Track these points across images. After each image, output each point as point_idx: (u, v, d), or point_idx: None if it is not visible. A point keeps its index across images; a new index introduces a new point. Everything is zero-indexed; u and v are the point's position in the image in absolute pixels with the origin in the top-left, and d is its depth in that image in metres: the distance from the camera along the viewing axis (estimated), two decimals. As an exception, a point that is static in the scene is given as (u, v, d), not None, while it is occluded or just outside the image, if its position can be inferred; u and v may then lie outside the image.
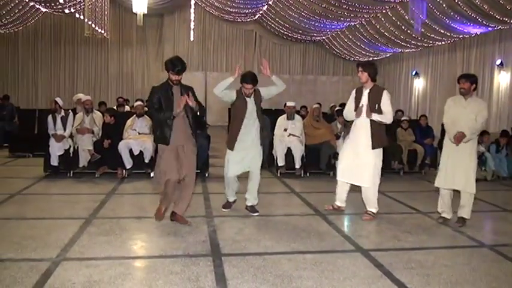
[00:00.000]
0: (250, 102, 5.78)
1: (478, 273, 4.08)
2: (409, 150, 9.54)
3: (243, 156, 5.83)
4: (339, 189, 6.19)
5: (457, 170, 5.58)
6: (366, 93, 5.80)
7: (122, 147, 8.23)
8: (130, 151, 8.30)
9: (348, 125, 6.88)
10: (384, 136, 5.84)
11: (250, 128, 5.78)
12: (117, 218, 5.72)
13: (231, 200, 6.18)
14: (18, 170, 9.21)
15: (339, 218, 5.96)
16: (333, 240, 4.99)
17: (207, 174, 8.64)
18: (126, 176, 8.37)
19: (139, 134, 8.60)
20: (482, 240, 5.10)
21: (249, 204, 6.05)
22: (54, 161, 8.33)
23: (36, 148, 10.39)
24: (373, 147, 5.72)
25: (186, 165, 5.26)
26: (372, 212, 5.90)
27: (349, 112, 5.99)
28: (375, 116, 5.66)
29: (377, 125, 5.72)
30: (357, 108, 5.82)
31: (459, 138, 5.49)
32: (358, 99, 5.87)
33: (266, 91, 5.91)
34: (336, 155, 8.47)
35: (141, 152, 8.37)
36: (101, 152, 8.34)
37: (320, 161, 8.97)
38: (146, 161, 8.39)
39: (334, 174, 9.02)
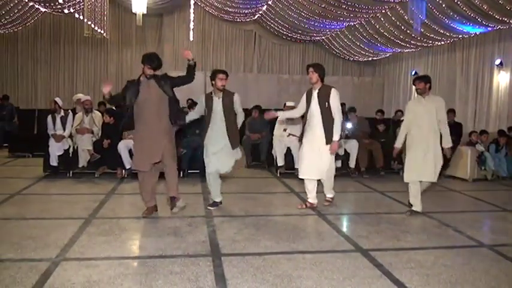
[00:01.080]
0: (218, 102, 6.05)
1: (477, 273, 4.09)
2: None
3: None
4: (309, 187, 6.37)
5: (426, 163, 5.97)
6: (315, 93, 6.09)
7: (122, 147, 8.22)
8: (130, 151, 8.28)
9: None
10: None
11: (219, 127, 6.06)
12: (116, 218, 5.73)
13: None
14: (17, 170, 9.21)
15: (339, 218, 5.97)
16: (333, 240, 4.99)
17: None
18: (125, 176, 8.37)
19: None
20: (481, 240, 5.10)
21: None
22: (54, 161, 8.33)
23: (35, 148, 10.39)
24: (327, 143, 6.02)
25: (164, 154, 5.46)
26: (331, 198, 6.56)
27: (297, 112, 6.46)
28: (336, 136, 6.01)
29: (329, 122, 5.99)
30: (308, 108, 6.13)
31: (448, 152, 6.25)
32: (308, 100, 6.16)
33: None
34: (336, 155, 8.48)
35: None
36: (100, 152, 8.34)
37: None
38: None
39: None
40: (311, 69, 6.09)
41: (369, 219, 5.93)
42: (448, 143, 6.08)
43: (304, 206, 6.37)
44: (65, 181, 8.05)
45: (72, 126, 8.64)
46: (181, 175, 8.49)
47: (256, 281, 3.76)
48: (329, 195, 6.56)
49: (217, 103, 6.00)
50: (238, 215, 5.91)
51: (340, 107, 6.06)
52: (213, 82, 6.02)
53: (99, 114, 9.05)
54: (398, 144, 6.36)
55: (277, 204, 6.62)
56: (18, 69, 22.82)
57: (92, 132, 8.63)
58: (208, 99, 6.08)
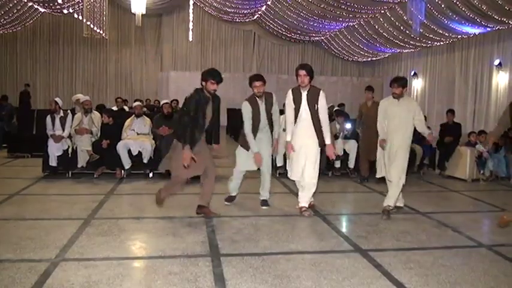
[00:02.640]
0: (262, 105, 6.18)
1: (476, 273, 4.09)
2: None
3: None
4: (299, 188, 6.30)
5: (390, 163, 6.11)
6: (304, 94, 6.03)
7: (121, 147, 8.22)
8: (129, 151, 8.30)
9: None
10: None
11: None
12: (115, 218, 5.72)
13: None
14: (16, 171, 9.20)
15: (338, 218, 5.97)
16: (332, 240, 4.99)
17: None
18: (124, 176, 8.37)
19: (138, 134, 8.60)
20: (480, 240, 5.10)
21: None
22: (53, 162, 8.32)
23: (34, 148, 10.37)
24: (320, 145, 6.00)
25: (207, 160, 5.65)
26: (302, 207, 6.16)
27: (291, 118, 6.15)
28: (328, 140, 5.98)
29: (319, 124, 5.95)
30: (298, 110, 6.02)
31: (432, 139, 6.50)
32: (297, 101, 6.06)
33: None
34: (336, 156, 8.47)
35: (139, 152, 8.36)
36: (99, 153, 8.33)
37: (321, 162, 8.93)
38: (145, 161, 8.39)
39: (333, 175, 9.08)
40: (303, 72, 5.95)
41: (368, 219, 5.92)
42: (425, 131, 6.23)
43: (310, 213, 6.13)
44: (64, 181, 8.04)
45: (71, 126, 8.63)
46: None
47: (256, 281, 3.76)
48: (302, 204, 6.16)
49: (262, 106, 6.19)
50: (237, 215, 5.91)
51: (326, 112, 6.04)
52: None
53: (98, 114, 9.05)
54: (383, 136, 6.32)
55: (276, 205, 6.61)
56: (17, 70, 22.83)
57: (91, 133, 8.63)
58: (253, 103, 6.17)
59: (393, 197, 6.10)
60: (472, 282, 3.88)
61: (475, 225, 5.77)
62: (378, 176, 6.67)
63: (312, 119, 5.95)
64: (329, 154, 6.04)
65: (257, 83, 6.12)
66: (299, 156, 6.03)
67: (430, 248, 4.80)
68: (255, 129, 6.12)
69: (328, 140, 5.96)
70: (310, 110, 5.95)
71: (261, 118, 6.14)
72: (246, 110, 6.08)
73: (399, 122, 6.07)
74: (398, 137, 6.06)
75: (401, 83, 6.11)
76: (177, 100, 15.25)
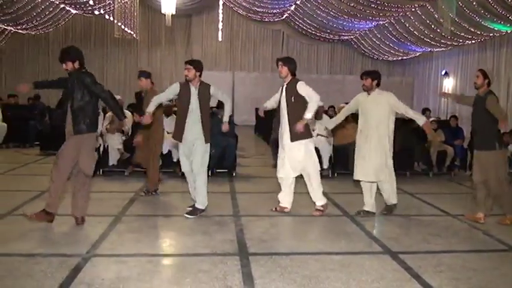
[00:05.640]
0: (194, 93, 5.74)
1: (508, 278, 4.00)
2: (438, 152, 9.38)
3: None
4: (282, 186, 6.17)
5: (367, 162, 5.82)
6: (284, 88, 5.91)
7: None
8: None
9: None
10: (307, 127, 5.81)
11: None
12: (145, 215, 5.80)
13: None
14: (48, 168, 9.25)
15: (367, 219, 5.90)
16: (361, 241, 4.95)
17: (234, 174, 8.67)
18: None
19: (168, 133, 8.68)
20: (511, 244, 4.99)
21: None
22: (84, 160, 8.45)
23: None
24: (292, 140, 5.78)
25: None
26: (321, 206, 5.99)
27: (268, 103, 6.21)
28: (308, 115, 5.66)
29: (294, 117, 5.72)
30: (279, 102, 5.94)
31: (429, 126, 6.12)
32: (280, 94, 5.97)
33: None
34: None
35: (169, 151, 8.45)
36: (130, 151, 8.45)
37: (348, 162, 8.88)
38: (174, 159, 8.47)
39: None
40: (280, 62, 5.88)
41: (398, 220, 5.86)
42: (422, 120, 5.78)
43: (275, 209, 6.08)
44: (95, 179, 8.12)
45: (102, 125, 8.77)
46: (209, 174, 8.54)
47: (284, 281, 3.76)
48: (283, 204, 6.08)
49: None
50: (265, 215, 5.92)
51: (312, 91, 5.72)
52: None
53: (130, 113, 9.16)
54: (330, 125, 6.33)
55: (304, 205, 6.59)
56: (49, 70, 23.29)
57: (122, 132, 8.75)
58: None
59: (393, 193, 6.02)
60: (503, 287, 3.80)
61: (506, 228, 5.64)
62: (354, 178, 6.10)
63: (288, 112, 5.79)
64: (297, 126, 5.67)
65: (185, 66, 5.76)
66: (281, 151, 5.98)
67: (460, 251, 4.71)
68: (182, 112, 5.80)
69: (307, 115, 5.66)
70: (286, 102, 5.81)
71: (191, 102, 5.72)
72: (172, 87, 5.87)
73: (371, 118, 5.79)
74: (373, 135, 5.78)
75: (370, 75, 5.84)
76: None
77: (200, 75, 5.73)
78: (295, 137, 5.75)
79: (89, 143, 5.19)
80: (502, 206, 5.86)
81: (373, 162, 5.79)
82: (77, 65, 5.12)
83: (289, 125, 5.75)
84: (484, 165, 5.68)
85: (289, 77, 5.89)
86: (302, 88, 5.75)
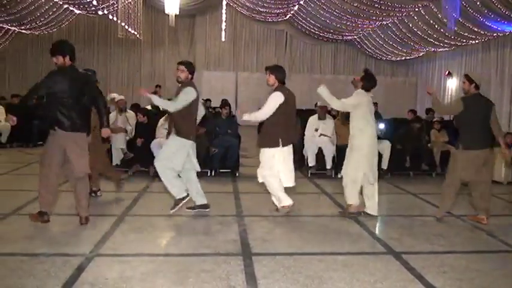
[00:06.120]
0: None
1: (510, 279, 3.99)
2: (441, 152, 9.35)
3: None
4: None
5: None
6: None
7: (154, 145, 8.31)
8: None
9: None
10: (270, 136, 5.80)
11: None
12: (149, 215, 5.81)
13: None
14: (53, 168, 9.39)
15: (370, 219, 5.89)
16: (364, 242, 4.95)
17: (237, 174, 8.67)
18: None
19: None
20: (517, 245, 4.97)
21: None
22: (88, 160, 8.47)
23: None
24: (258, 146, 5.93)
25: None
26: (278, 206, 6.02)
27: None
28: (246, 116, 5.83)
29: (265, 125, 5.85)
30: None
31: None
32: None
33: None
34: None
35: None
36: (133, 151, 8.47)
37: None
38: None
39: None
40: (268, 71, 5.90)
41: (401, 221, 5.85)
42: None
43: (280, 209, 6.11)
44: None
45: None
46: (213, 174, 8.56)
47: (287, 281, 3.76)
48: (276, 202, 6.10)
49: None
50: (268, 215, 5.92)
51: (270, 105, 5.71)
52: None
53: (133, 113, 9.19)
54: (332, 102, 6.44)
55: (308, 205, 6.59)
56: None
57: (126, 131, 8.77)
58: None
59: (348, 196, 5.92)
60: (507, 288, 3.80)
61: (510, 229, 5.62)
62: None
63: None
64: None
65: (177, 67, 5.89)
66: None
67: (463, 252, 4.70)
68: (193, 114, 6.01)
69: (246, 117, 5.86)
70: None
71: None
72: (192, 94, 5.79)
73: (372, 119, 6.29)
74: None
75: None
76: (209, 100, 15.35)
77: (192, 78, 5.77)
78: (261, 143, 5.92)
79: (82, 142, 5.16)
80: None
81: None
82: (67, 60, 5.08)
83: (259, 131, 5.97)
84: (479, 164, 5.69)
85: (277, 85, 5.88)
86: (269, 99, 5.80)
